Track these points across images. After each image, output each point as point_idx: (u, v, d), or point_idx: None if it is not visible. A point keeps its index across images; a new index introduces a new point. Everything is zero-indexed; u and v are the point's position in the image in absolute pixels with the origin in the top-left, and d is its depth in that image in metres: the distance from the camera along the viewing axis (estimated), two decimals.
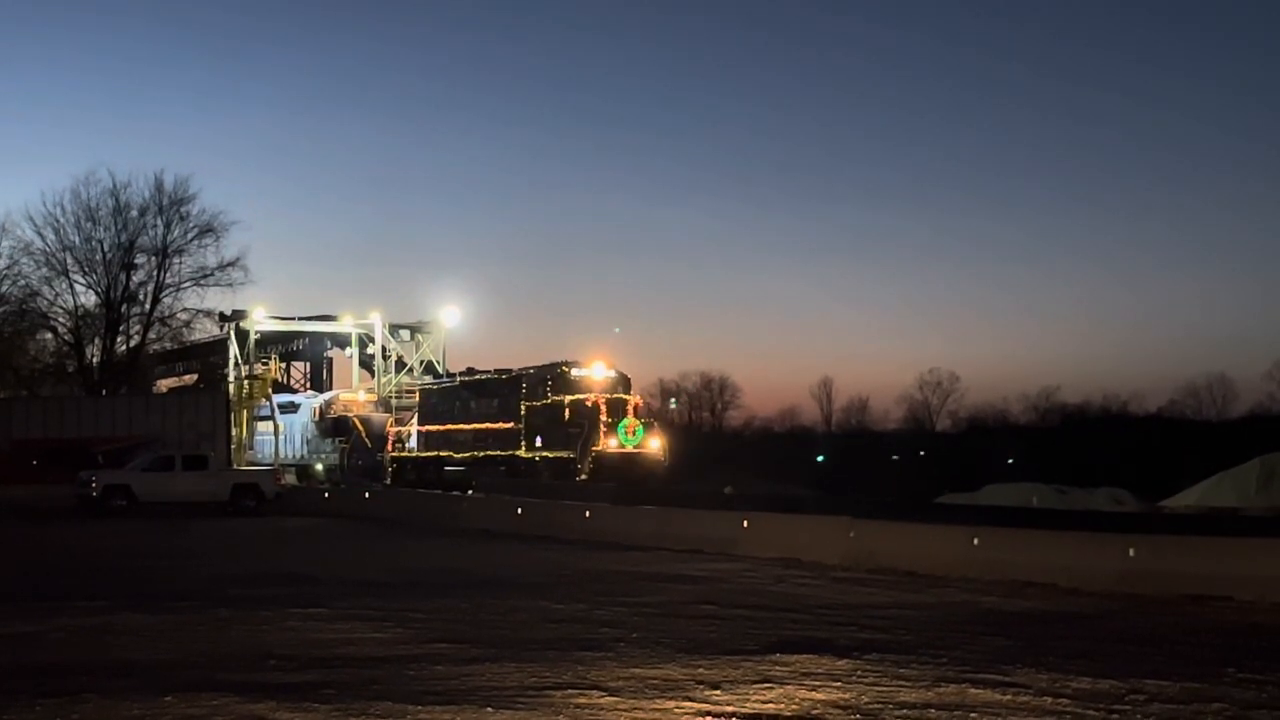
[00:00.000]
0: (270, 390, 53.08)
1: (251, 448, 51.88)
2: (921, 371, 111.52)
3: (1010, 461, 71.40)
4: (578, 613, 13.42)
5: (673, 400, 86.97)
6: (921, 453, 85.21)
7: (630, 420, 35.66)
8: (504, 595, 15.02)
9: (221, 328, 55.15)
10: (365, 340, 55.55)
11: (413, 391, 46.97)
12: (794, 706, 8.65)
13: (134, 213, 54.36)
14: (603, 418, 35.29)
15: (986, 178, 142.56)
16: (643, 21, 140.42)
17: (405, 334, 56.47)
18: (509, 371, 39.91)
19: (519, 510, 27.11)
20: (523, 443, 37.40)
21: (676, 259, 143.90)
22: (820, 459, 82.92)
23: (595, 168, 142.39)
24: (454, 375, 46.02)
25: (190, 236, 54.82)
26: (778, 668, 10.03)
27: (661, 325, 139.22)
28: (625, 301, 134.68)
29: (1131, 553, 15.74)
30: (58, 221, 53.22)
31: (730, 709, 8.54)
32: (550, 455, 36.29)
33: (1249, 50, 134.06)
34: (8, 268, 53.13)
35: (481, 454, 38.97)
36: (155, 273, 54.66)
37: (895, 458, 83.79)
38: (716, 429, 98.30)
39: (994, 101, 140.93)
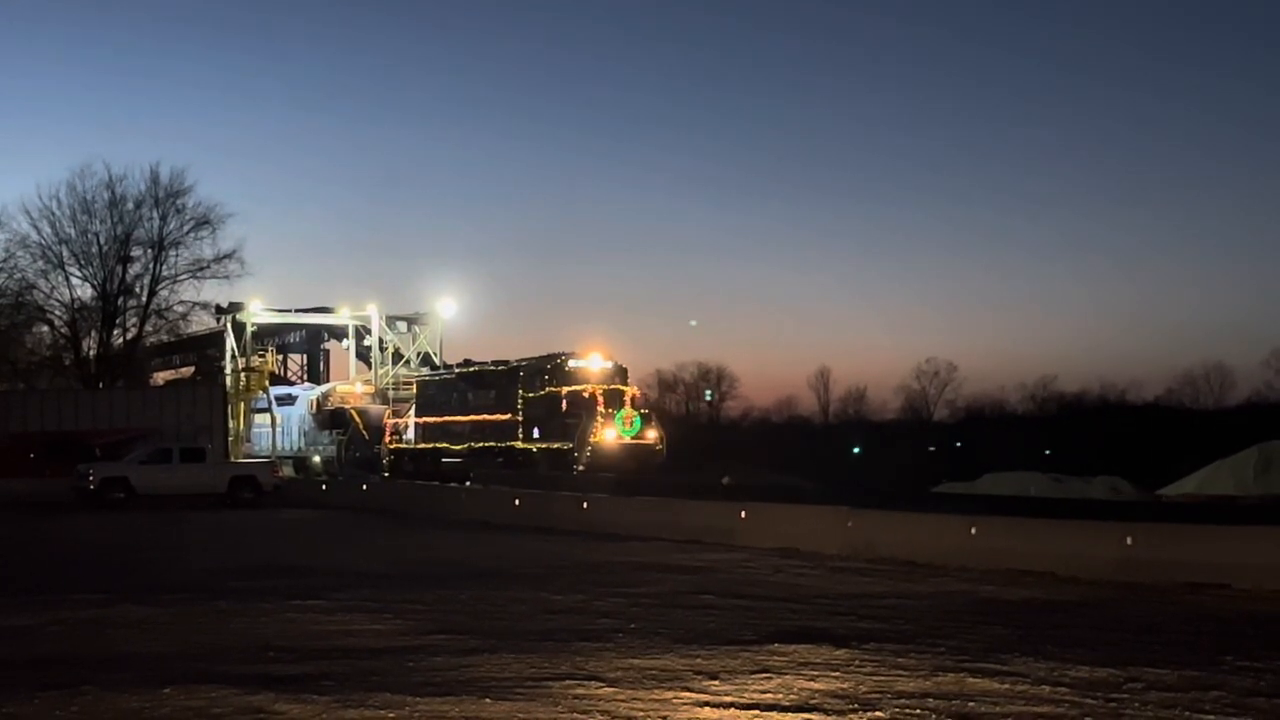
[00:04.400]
0: (267, 382, 53.04)
1: (249, 440, 51.88)
2: (919, 361, 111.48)
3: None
4: (576, 604, 13.42)
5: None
6: (931, 448, 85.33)
7: (628, 411, 35.66)
8: (502, 586, 15.02)
9: (218, 320, 55.10)
10: (362, 332, 55.53)
11: (410, 383, 46.93)
12: (792, 696, 8.65)
13: (130, 205, 54.28)
14: (600, 408, 35.28)
15: (983, 167, 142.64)
16: (642, 14, 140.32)
17: (402, 326, 56.42)
18: (506, 363, 39.87)
19: (517, 501, 27.12)
20: (520, 434, 37.38)
21: (673, 250, 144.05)
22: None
23: (592, 159, 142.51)
24: (451, 367, 45.96)
25: (186, 229, 54.72)
26: (776, 658, 10.03)
27: (659, 316, 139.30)
28: (622, 292, 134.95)
29: (1129, 541, 15.75)
30: (53, 214, 53.15)
31: (729, 699, 8.55)
32: (548, 446, 36.27)
33: (1245, 39, 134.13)
34: (3, 261, 53.05)
35: (479, 445, 38.94)
36: (151, 265, 54.57)
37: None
38: (714, 419, 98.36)
39: (991, 92, 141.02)
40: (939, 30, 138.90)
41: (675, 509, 23.20)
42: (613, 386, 36.33)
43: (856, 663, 9.84)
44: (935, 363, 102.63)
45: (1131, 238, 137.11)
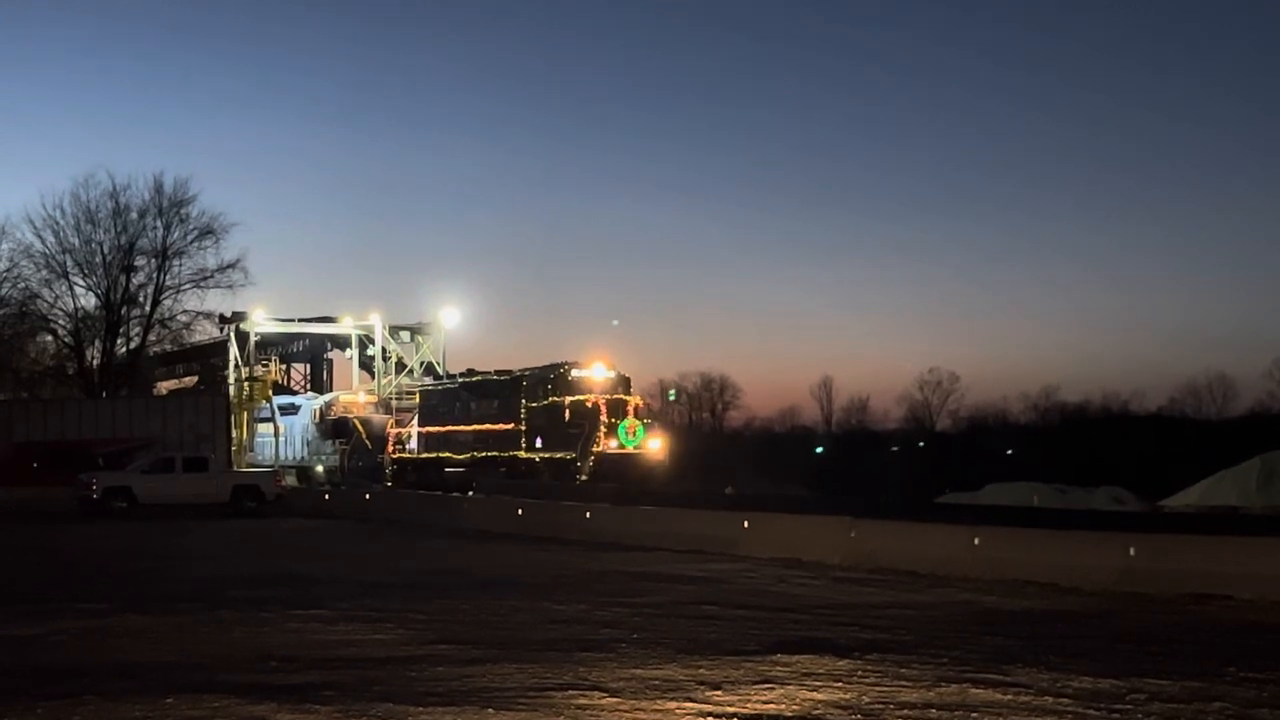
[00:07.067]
0: (270, 392, 53.06)
1: (252, 449, 51.87)
2: (921, 371, 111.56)
3: (1010, 452, 71.55)
4: (578, 613, 13.42)
5: (671, 393, 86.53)
6: (921, 444, 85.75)
7: (630, 421, 35.65)
8: (505, 596, 15.02)
9: (221, 329, 55.14)
10: (365, 342, 55.51)
11: (413, 393, 46.94)
12: (795, 707, 8.65)
13: (133, 215, 54.42)
14: (603, 418, 35.28)
15: (985, 179, 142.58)
16: (644, 25, 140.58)
17: (405, 335, 56.40)
18: (509, 372, 39.89)
19: (519, 511, 27.11)
20: (523, 443, 37.39)
21: (676, 260, 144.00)
22: (819, 450, 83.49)
23: (595, 170, 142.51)
24: (454, 376, 45.98)
25: (190, 238, 54.88)
26: (779, 668, 10.03)
27: (661, 326, 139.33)
28: (625, 302, 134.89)
29: (1132, 552, 15.74)
30: (57, 224, 53.28)
31: (731, 709, 8.54)
32: (551, 456, 36.27)
33: (1243, 50, 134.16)
34: (7, 270, 53.20)
35: (482, 455, 38.94)
36: (155, 275, 54.72)
37: (894, 449, 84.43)
38: (717, 429, 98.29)
39: (994, 105, 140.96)
40: (940, 43, 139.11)
41: (678, 519, 23.18)
42: (616, 396, 36.34)
43: (859, 673, 9.83)
44: (938, 372, 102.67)
45: (1133, 248, 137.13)
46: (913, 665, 10.14)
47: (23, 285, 53.31)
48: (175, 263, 54.68)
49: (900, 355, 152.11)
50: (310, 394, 57.51)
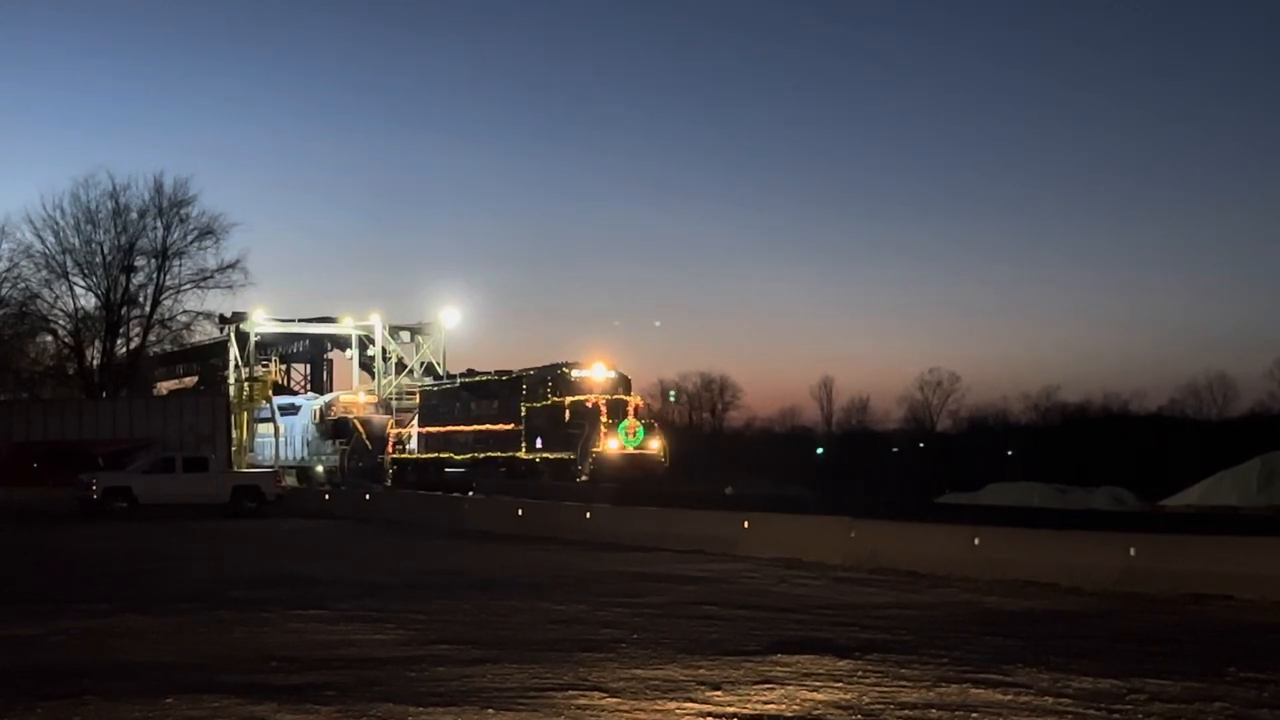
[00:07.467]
0: (270, 392, 53.07)
1: (252, 450, 51.87)
2: (922, 371, 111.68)
3: (1009, 453, 71.57)
4: (579, 614, 13.42)
5: (671, 393, 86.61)
6: (921, 445, 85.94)
7: (631, 421, 35.61)
8: (505, 596, 15.02)
9: (221, 330, 55.17)
10: (365, 342, 55.51)
11: (413, 393, 46.93)
12: (795, 707, 8.65)
13: (133, 215, 54.50)
14: (603, 419, 35.25)
15: (986, 179, 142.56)
16: (644, 25, 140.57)
17: (405, 335, 56.40)
18: (509, 373, 39.87)
19: (520, 511, 27.11)
20: (523, 444, 37.37)
21: (676, 260, 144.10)
22: (819, 451, 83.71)
23: (595, 170, 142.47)
24: (454, 377, 45.93)
25: (190, 239, 54.96)
26: (779, 668, 10.03)
27: (662, 326, 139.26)
28: (625, 303, 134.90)
29: (1132, 552, 15.74)
30: (57, 224, 53.35)
31: (731, 710, 8.54)
32: (551, 456, 36.25)
33: (1243, 50, 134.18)
34: (8, 270, 53.26)
35: (482, 455, 38.92)
36: (155, 275, 54.79)
37: (895, 450, 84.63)
38: (717, 429, 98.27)
39: (994, 105, 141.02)
40: (940, 43, 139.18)
41: (678, 519, 23.18)
42: (616, 396, 36.29)
43: (860, 673, 9.83)
44: (938, 373, 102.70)
45: (1134, 248, 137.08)
46: (913, 665, 10.14)
47: (23, 285, 53.44)
48: (175, 263, 54.83)
49: (900, 355, 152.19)
50: (310, 394, 57.49)
